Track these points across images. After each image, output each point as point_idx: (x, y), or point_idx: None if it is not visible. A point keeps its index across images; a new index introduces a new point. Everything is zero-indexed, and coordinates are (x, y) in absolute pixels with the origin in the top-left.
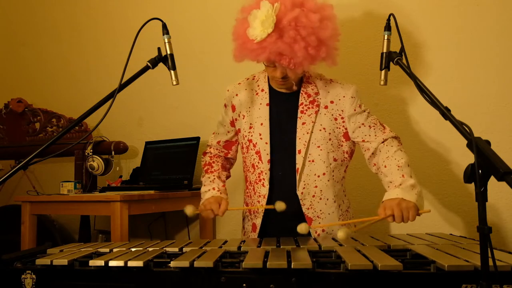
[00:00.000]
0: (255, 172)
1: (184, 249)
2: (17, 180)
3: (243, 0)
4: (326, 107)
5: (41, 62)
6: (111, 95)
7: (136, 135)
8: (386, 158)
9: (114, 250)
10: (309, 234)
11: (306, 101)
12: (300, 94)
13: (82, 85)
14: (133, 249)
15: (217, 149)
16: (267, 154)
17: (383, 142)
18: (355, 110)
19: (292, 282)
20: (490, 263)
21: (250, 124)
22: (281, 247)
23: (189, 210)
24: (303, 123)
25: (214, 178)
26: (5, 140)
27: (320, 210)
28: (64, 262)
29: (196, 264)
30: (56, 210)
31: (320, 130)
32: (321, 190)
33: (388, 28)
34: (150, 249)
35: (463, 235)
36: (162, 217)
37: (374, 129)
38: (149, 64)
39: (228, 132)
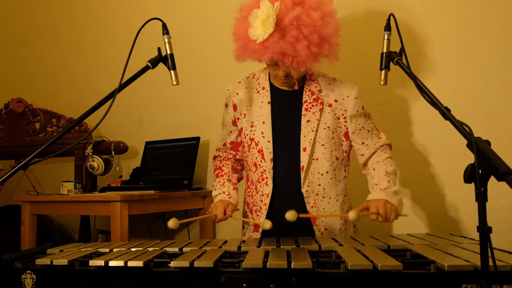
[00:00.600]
0: (257, 171)
1: (184, 249)
2: (17, 180)
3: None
4: (330, 105)
5: (41, 62)
6: (111, 95)
7: (136, 135)
8: (377, 161)
9: (114, 250)
10: (312, 232)
11: (310, 98)
12: (304, 92)
13: (82, 85)
14: (133, 249)
15: (225, 151)
16: (270, 152)
17: (378, 148)
18: (357, 111)
19: (292, 282)
20: (490, 263)
21: (252, 122)
22: (281, 247)
23: (171, 223)
24: (308, 121)
25: (224, 182)
26: (5, 140)
27: (324, 209)
28: (64, 262)
29: (196, 264)
30: (56, 210)
31: (325, 128)
32: (324, 189)
33: (388, 28)
34: (150, 249)
35: (463, 235)
36: (162, 217)
37: (372, 134)
38: (149, 64)
39: (231, 132)
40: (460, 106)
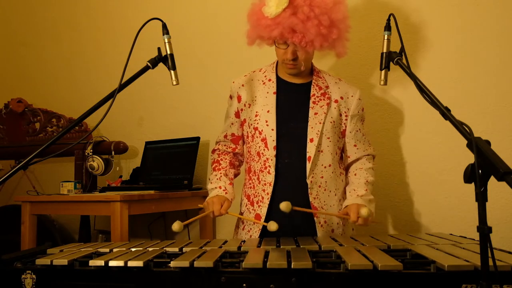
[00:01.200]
0: (260, 160)
1: (184, 249)
2: (17, 180)
3: (243, 1)
4: (336, 101)
5: (41, 62)
6: (111, 95)
7: (136, 135)
8: (360, 168)
9: (114, 250)
10: (313, 224)
11: (317, 92)
12: (312, 86)
13: (82, 85)
14: (133, 249)
15: (225, 144)
16: (273, 140)
17: (365, 155)
18: (358, 112)
19: (292, 282)
20: (490, 263)
21: (256, 112)
22: (281, 247)
23: (176, 226)
24: (315, 113)
25: (221, 176)
26: (5, 140)
27: (324, 201)
28: (64, 262)
29: (196, 264)
30: (56, 210)
31: (331, 122)
32: (326, 181)
33: (388, 28)
34: (150, 249)
35: (463, 235)
36: (162, 217)
37: (364, 139)
38: (149, 64)
39: (232, 124)
40: (460, 106)
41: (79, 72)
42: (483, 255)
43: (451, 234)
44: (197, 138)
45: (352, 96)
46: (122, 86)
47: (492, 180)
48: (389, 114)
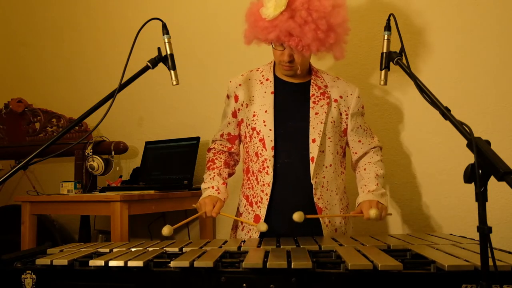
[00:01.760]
0: (258, 160)
1: (184, 249)
2: (17, 180)
3: (243, 1)
4: (336, 100)
5: (41, 62)
6: (111, 95)
7: (136, 135)
8: (368, 163)
9: (114, 250)
10: (318, 223)
11: (317, 92)
12: (311, 86)
13: (82, 85)
14: (133, 249)
15: (221, 144)
16: (271, 141)
17: (371, 149)
18: (358, 109)
19: (292, 282)
20: (490, 263)
21: (254, 112)
22: (281, 247)
23: (166, 231)
24: (316, 113)
25: (214, 175)
26: (5, 140)
27: (327, 201)
28: (64, 262)
29: (196, 264)
30: (56, 210)
31: (331, 122)
32: (328, 181)
33: (388, 28)
34: (150, 249)
35: (463, 235)
36: (162, 217)
37: (367, 133)
38: (149, 64)
39: (229, 123)
40: (460, 106)
41: (79, 72)
42: (483, 255)
43: (451, 234)
44: (197, 138)
45: (351, 94)
46: (122, 86)
47: (492, 180)
48: (389, 114)
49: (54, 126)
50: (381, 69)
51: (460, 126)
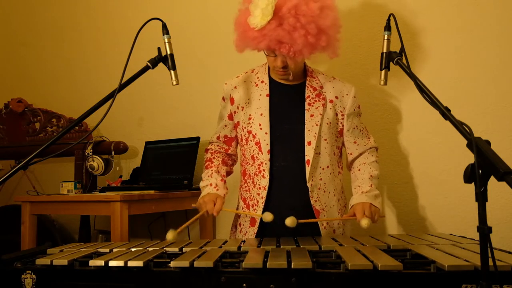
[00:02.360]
0: (254, 163)
1: (184, 249)
2: (17, 180)
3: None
4: (331, 101)
5: (41, 62)
6: (111, 95)
7: (136, 135)
8: (363, 163)
9: (114, 250)
10: (316, 226)
11: (312, 94)
12: (306, 87)
13: (82, 85)
14: (133, 249)
15: (218, 145)
16: (267, 144)
17: (367, 150)
18: (354, 110)
19: (292, 282)
20: (490, 263)
21: (250, 115)
22: (281, 247)
23: (170, 236)
24: (312, 115)
25: (212, 173)
26: (5, 140)
27: (325, 203)
28: (64, 262)
29: (196, 264)
30: (56, 210)
31: (327, 123)
32: (325, 183)
33: (388, 28)
34: (150, 249)
35: (463, 235)
36: (162, 217)
37: (363, 134)
38: (149, 64)
39: (226, 126)
40: (460, 106)
41: (79, 72)
42: (483, 255)
43: (451, 234)
44: (197, 138)
45: (347, 94)
46: (122, 86)
47: (492, 180)
48: (389, 114)
49: (54, 126)
50: (381, 69)
51: (460, 126)
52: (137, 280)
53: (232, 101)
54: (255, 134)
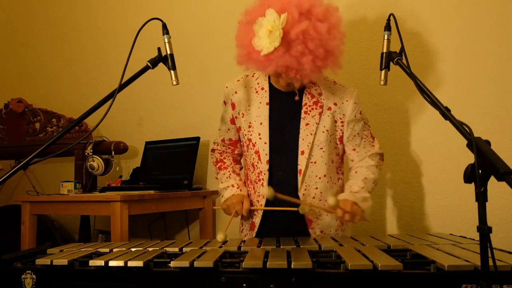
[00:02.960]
0: (254, 171)
1: (184, 249)
2: (17, 180)
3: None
4: (329, 108)
5: (41, 62)
6: (111, 95)
7: (136, 135)
8: (361, 166)
9: (114, 250)
10: (308, 235)
11: (310, 101)
12: (304, 95)
13: (82, 85)
14: (133, 249)
15: (223, 146)
16: (266, 154)
17: (369, 156)
18: (355, 116)
19: (292, 282)
20: (490, 263)
21: (250, 123)
22: (281, 247)
23: (221, 237)
24: (307, 124)
25: (230, 174)
26: (5, 140)
27: (319, 212)
28: (64, 262)
29: (196, 264)
30: (56, 210)
31: (323, 132)
32: (321, 192)
33: (388, 28)
34: (150, 249)
35: (463, 235)
36: (162, 217)
37: (365, 141)
38: (149, 64)
39: (229, 129)
40: (460, 106)
41: (79, 72)
42: (483, 255)
43: (451, 234)
44: (197, 138)
45: (347, 100)
46: (122, 86)
47: (492, 180)
48: (389, 114)
49: (54, 126)
50: (381, 69)
51: (460, 126)
52: (137, 280)
53: (233, 106)
54: (255, 143)
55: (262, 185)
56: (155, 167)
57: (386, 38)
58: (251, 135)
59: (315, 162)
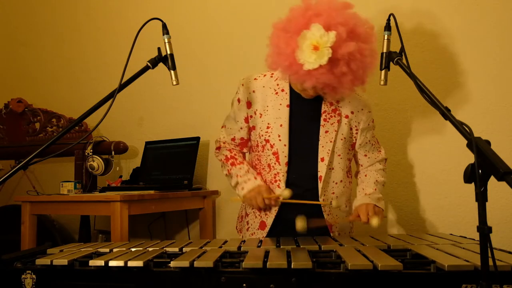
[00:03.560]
0: (270, 172)
1: (184, 249)
2: (17, 180)
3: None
4: (346, 116)
5: (41, 62)
6: (111, 95)
7: (136, 135)
8: (369, 170)
9: (114, 250)
10: (327, 231)
11: (328, 109)
12: (323, 102)
13: (82, 85)
14: (133, 249)
15: (232, 144)
16: (285, 156)
17: (377, 162)
18: (368, 124)
19: (292, 282)
20: (490, 263)
21: (268, 123)
22: (281, 247)
23: (301, 224)
24: (326, 131)
25: (248, 168)
26: (5, 140)
27: (336, 215)
28: (64, 262)
29: (196, 264)
30: (56, 210)
31: (341, 139)
32: (337, 197)
33: (388, 28)
34: (150, 249)
35: (463, 235)
36: (162, 217)
37: (374, 147)
38: (149, 64)
39: (241, 128)
40: (460, 106)
41: (79, 72)
42: (483, 255)
43: (451, 234)
44: (197, 138)
45: (362, 109)
46: (122, 86)
47: (492, 180)
48: (389, 114)
49: (54, 126)
50: (381, 69)
51: (460, 126)
52: (137, 280)
53: (249, 105)
54: (273, 144)
55: (279, 186)
56: (155, 167)
57: (386, 38)
58: (269, 136)
59: (333, 168)
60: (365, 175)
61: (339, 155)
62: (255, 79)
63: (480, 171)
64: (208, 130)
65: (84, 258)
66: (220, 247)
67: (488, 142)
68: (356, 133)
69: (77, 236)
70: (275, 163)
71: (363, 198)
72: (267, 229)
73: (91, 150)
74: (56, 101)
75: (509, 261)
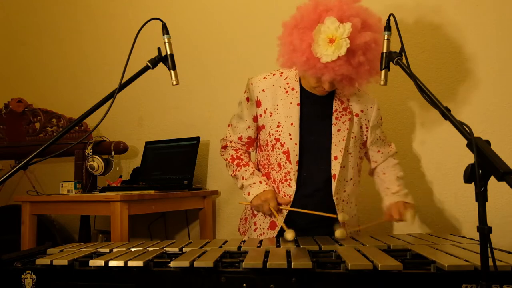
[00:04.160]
0: (281, 171)
1: (184, 249)
2: (17, 180)
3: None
4: (357, 115)
5: (41, 62)
6: (111, 95)
7: (136, 135)
8: (387, 167)
9: (114, 250)
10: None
11: (339, 107)
12: (334, 100)
13: (82, 85)
14: (133, 249)
15: (238, 143)
16: (296, 155)
17: (389, 156)
18: (377, 122)
19: (292, 282)
20: (490, 263)
21: (278, 122)
22: (281, 247)
23: (290, 235)
24: (338, 130)
25: (254, 170)
26: (5, 140)
27: (348, 214)
28: (64, 262)
29: (196, 264)
30: (56, 210)
31: (353, 138)
32: (348, 195)
33: (388, 28)
34: (150, 249)
35: (463, 235)
36: (162, 217)
37: (384, 142)
38: (149, 64)
39: (249, 127)
40: (461, 106)
41: (79, 72)
42: (483, 255)
43: (451, 234)
44: (197, 138)
45: (371, 107)
46: (122, 86)
47: (492, 180)
48: (389, 114)
49: (54, 126)
50: (381, 69)
51: (460, 126)
52: (137, 280)
53: (259, 103)
54: (284, 143)
55: (289, 185)
56: (155, 167)
57: (386, 38)
58: (279, 134)
59: (344, 167)
60: (384, 173)
61: (350, 153)
62: (264, 78)
63: (480, 171)
64: (208, 130)
65: (84, 258)
66: (220, 247)
67: (488, 142)
68: (367, 131)
69: (77, 236)
70: (285, 162)
71: (391, 197)
72: (277, 229)
73: (91, 150)
74: (56, 101)
75: (509, 261)
